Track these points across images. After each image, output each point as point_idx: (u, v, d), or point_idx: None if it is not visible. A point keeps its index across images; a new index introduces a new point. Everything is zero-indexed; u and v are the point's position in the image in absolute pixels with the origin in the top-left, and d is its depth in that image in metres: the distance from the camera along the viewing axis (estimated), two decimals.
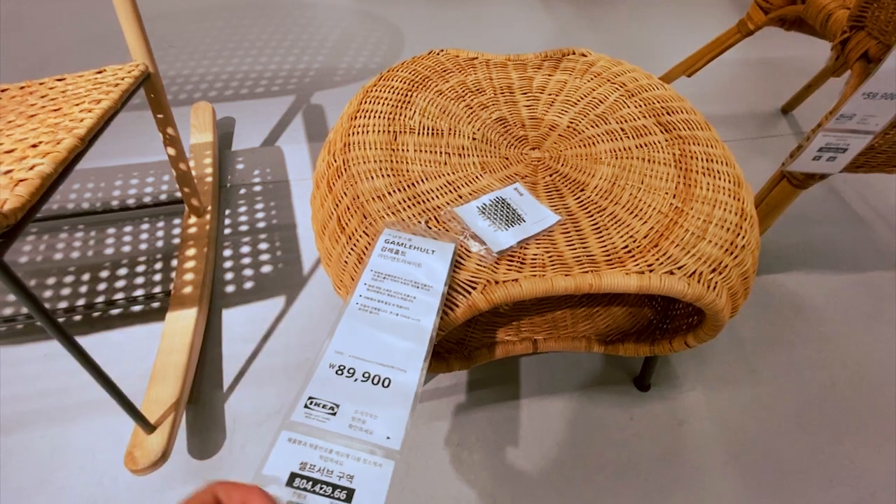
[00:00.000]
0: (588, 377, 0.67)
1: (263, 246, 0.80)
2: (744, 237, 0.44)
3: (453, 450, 0.60)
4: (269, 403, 0.63)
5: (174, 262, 0.76)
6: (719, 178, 0.48)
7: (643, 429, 0.63)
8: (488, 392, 0.65)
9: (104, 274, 0.74)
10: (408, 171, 0.47)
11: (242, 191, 0.88)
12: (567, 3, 1.44)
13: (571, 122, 0.56)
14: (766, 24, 0.78)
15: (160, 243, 0.79)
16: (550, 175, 0.50)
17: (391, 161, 0.48)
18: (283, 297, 0.74)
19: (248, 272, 0.76)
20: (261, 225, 0.83)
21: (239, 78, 1.10)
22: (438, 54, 0.62)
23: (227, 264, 0.77)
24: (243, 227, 0.82)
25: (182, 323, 0.65)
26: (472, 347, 0.54)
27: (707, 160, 0.50)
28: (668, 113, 0.55)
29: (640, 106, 0.56)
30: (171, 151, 0.69)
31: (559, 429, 0.62)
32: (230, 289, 0.74)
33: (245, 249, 0.79)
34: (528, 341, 0.54)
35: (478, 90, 0.58)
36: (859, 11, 0.55)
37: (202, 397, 0.63)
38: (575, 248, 0.43)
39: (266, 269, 0.77)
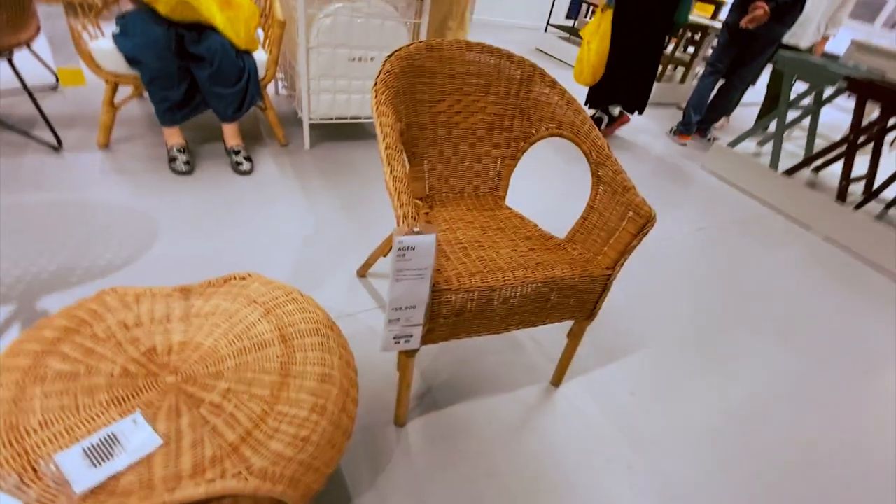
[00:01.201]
0: None
1: None
2: (311, 428, 0.62)
3: None
4: None
5: None
6: (307, 379, 0.67)
7: None
8: None
9: None
10: (27, 423, 0.56)
11: None
12: (327, 196, 1.77)
13: (214, 343, 0.72)
14: None
15: None
16: (177, 396, 0.63)
17: (11, 416, 0.56)
18: None
19: None
20: None
21: None
22: (107, 295, 0.75)
23: None
24: None
25: None
26: None
27: (304, 363, 0.70)
28: (290, 325, 0.75)
29: (272, 321, 0.76)
30: None
31: None
32: None
33: None
34: None
35: (136, 324, 0.72)
36: None
37: None
38: (168, 468, 0.55)
39: None
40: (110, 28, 1.60)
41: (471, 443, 0.99)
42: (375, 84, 0.85)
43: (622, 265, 0.90)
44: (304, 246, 1.45)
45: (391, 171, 0.72)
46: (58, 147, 1.64)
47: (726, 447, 1.11)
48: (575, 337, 1.05)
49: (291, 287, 0.83)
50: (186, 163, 1.66)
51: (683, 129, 3.04)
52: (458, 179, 1.12)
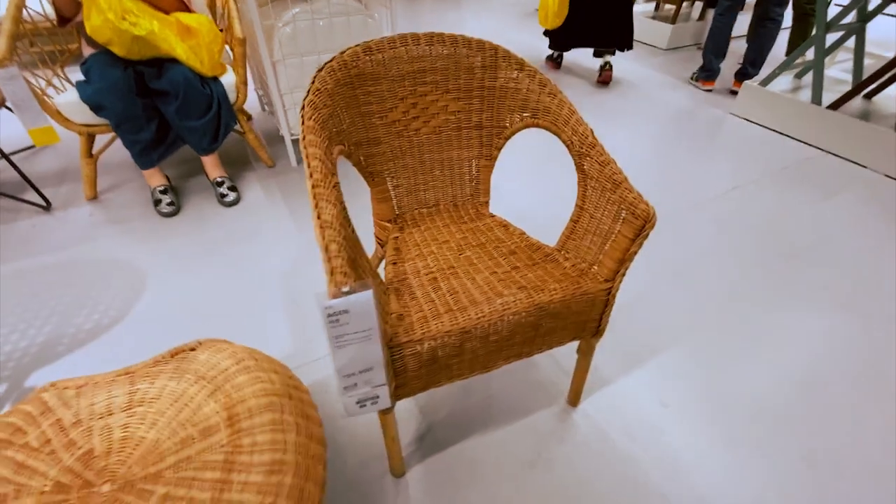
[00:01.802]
0: None
1: None
2: None
3: None
4: None
5: None
6: (254, 473, 0.59)
7: None
8: None
9: None
10: None
11: None
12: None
13: (156, 436, 0.64)
14: None
15: None
16: None
17: None
18: None
19: None
20: None
21: None
22: (45, 392, 0.69)
23: None
24: None
25: None
26: None
27: (251, 451, 0.61)
28: (239, 402, 0.67)
29: (219, 400, 0.67)
30: None
31: None
32: None
33: None
34: None
35: (74, 423, 0.65)
36: None
37: None
38: None
39: None
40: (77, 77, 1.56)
41: (478, 488, 0.89)
42: (302, 108, 0.73)
43: (623, 275, 0.75)
44: (291, 278, 1.37)
45: (319, 216, 0.61)
46: (47, 207, 1.63)
47: (783, 459, 0.95)
48: (584, 354, 0.92)
49: (245, 352, 0.75)
50: (171, 203, 1.61)
51: (706, 76, 2.73)
52: (431, 191, 0.99)
